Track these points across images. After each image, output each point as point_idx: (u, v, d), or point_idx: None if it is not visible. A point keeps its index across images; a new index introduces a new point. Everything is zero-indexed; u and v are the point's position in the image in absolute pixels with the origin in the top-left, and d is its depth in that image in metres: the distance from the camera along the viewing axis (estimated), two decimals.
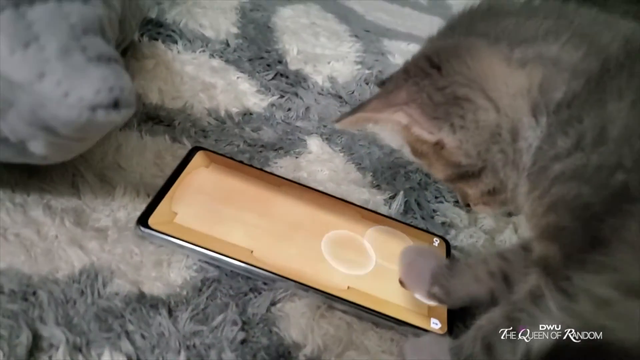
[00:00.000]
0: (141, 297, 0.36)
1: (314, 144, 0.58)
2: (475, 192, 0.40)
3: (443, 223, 0.53)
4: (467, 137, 0.36)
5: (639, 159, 0.30)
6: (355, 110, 0.40)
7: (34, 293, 0.34)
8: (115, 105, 0.24)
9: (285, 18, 0.81)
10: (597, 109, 0.32)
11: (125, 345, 0.33)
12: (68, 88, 0.23)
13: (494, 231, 0.54)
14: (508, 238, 0.54)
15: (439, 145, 0.38)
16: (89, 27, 0.24)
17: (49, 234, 0.38)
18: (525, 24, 0.36)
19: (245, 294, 0.39)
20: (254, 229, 0.43)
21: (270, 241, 0.43)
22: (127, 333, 0.34)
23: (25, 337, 0.31)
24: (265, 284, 0.40)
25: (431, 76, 0.37)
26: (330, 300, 0.40)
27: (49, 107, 0.23)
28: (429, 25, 0.49)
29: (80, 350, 0.32)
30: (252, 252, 0.41)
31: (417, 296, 0.42)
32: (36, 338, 0.32)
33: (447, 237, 0.51)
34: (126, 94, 0.25)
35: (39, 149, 0.28)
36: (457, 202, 0.56)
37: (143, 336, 0.34)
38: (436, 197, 0.56)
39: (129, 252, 0.39)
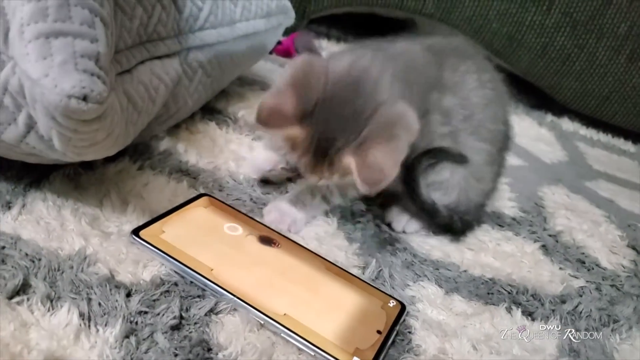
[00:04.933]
0: (111, 279, 0.49)
1: None
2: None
3: (413, 296, 0.59)
4: None
5: None
6: None
7: (39, 259, 0.49)
8: (84, 99, 0.40)
9: None
10: None
11: (83, 305, 0.45)
12: (57, 82, 0.40)
13: (466, 315, 0.58)
14: (480, 322, 0.57)
15: None
16: (86, 54, 0.42)
17: (68, 227, 0.54)
18: None
19: (193, 298, 0.50)
20: (221, 255, 0.54)
21: (231, 267, 0.53)
22: (89, 299, 0.46)
23: (17, 280, 0.45)
24: (213, 296, 0.50)
25: None
26: (264, 318, 0.48)
27: (47, 94, 0.40)
28: None
29: (50, 300, 0.45)
30: (212, 270, 0.52)
31: None
32: (25, 284, 0.46)
33: (412, 308, 0.56)
34: (95, 94, 0.41)
35: (56, 143, 0.44)
36: (438, 283, 0.61)
37: (100, 304, 0.46)
38: (418, 276, 0.62)
39: (119, 250, 0.53)
